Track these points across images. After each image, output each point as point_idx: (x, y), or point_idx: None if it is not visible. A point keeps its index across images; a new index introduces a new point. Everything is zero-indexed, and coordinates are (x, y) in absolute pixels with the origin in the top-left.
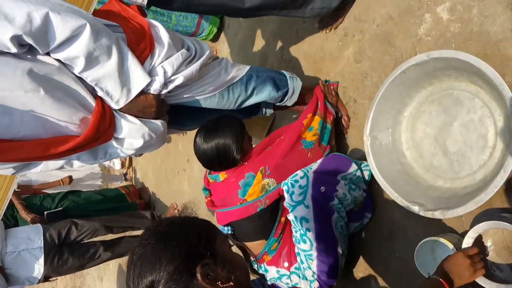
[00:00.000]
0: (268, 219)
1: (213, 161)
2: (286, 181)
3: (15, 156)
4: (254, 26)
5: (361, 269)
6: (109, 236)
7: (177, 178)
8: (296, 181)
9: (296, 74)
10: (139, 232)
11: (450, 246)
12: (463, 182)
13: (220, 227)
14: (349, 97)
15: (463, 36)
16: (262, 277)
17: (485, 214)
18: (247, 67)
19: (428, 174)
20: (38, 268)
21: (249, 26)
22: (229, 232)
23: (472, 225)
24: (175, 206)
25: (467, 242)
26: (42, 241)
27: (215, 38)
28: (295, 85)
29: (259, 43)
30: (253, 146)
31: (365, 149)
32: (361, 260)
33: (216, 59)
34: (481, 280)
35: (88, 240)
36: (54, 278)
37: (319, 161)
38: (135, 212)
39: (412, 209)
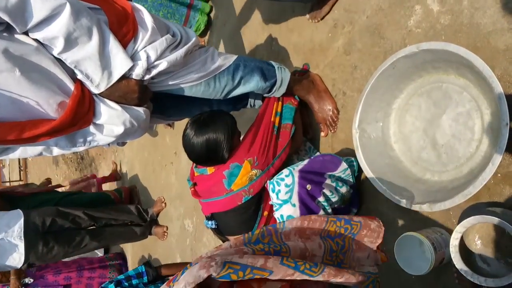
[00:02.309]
0: (252, 213)
1: (202, 156)
2: (271, 180)
3: None
4: (243, 17)
5: None
6: None
7: (164, 171)
8: (282, 179)
9: (285, 66)
10: None
11: (424, 240)
12: (450, 175)
13: (204, 221)
14: (338, 90)
15: (453, 28)
16: None
17: (473, 209)
18: (234, 57)
19: (416, 167)
20: (19, 257)
21: (238, 18)
22: (213, 226)
23: (460, 220)
24: (163, 200)
25: (455, 237)
26: (23, 229)
27: (203, 34)
28: (283, 76)
29: (248, 35)
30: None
31: (354, 142)
32: None
33: (203, 47)
34: (468, 274)
35: (74, 228)
36: (38, 265)
37: (306, 160)
38: (120, 206)
39: (400, 202)
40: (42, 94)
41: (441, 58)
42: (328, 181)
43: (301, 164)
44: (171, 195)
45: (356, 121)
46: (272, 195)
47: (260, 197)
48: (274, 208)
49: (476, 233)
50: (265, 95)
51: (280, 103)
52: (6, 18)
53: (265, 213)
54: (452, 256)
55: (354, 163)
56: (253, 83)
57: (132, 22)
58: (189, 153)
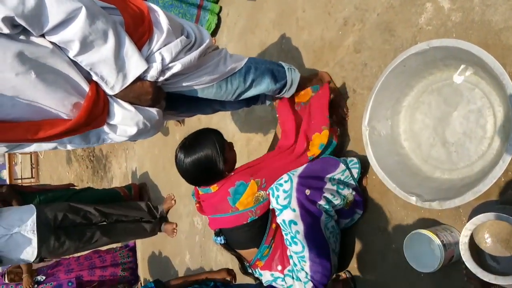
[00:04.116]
0: (258, 229)
1: (198, 176)
2: (272, 185)
3: (4, 138)
4: (253, 15)
5: (357, 260)
6: None
7: (174, 168)
8: (281, 184)
9: (296, 64)
10: None
11: (434, 238)
12: (461, 173)
13: (213, 237)
14: (348, 87)
15: (464, 26)
16: (257, 279)
17: (483, 206)
18: (246, 59)
19: (426, 165)
20: (32, 251)
21: (248, 16)
22: (222, 242)
23: (469, 218)
24: (172, 197)
25: (465, 234)
26: (35, 223)
27: (214, 33)
28: (293, 76)
29: (258, 33)
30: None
31: (364, 139)
32: (357, 251)
33: (216, 49)
34: (478, 272)
35: (85, 223)
36: (49, 259)
37: (305, 164)
38: (131, 202)
39: (409, 199)
40: (57, 96)
41: (452, 55)
42: (328, 184)
43: (301, 169)
44: (180, 193)
45: (366, 118)
46: (272, 199)
47: (267, 213)
48: (276, 213)
49: (486, 231)
50: (276, 95)
51: (325, 133)
52: (23, 23)
53: (273, 225)
54: (461, 254)
55: (357, 165)
56: (264, 85)
57: (148, 24)
58: (186, 177)
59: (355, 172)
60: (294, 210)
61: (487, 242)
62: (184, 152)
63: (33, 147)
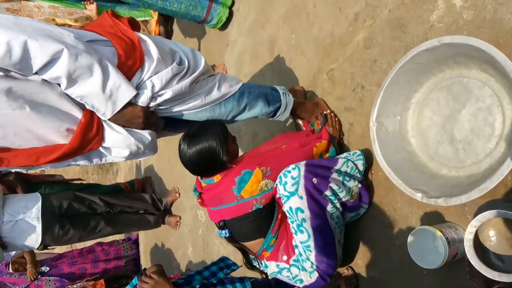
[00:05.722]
0: (264, 218)
1: (201, 166)
2: (280, 173)
3: (11, 164)
4: (263, 10)
5: (360, 256)
6: None
7: (179, 162)
8: (289, 171)
9: (305, 59)
10: None
11: (439, 234)
12: (468, 170)
13: (217, 231)
14: (356, 84)
15: (475, 24)
16: (263, 272)
17: (489, 205)
18: (239, 84)
19: (433, 162)
20: (36, 238)
21: (258, 10)
22: (227, 235)
23: (475, 216)
24: (177, 190)
25: (470, 231)
26: (40, 211)
27: (224, 26)
28: (287, 100)
29: (268, 28)
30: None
31: (371, 135)
32: (360, 247)
33: (211, 76)
34: (482, 268)
35: (89, 212)
36: (53, 247)
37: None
38: (135, 194)
39: (415, 196)
40: (51, 124)
41: (463, 53)
42: (334, 175)
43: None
44: (185, 186)
45: (374, 114)
46: (280, 187)
47: (272, 202)
48: (282, 201)
49: (491, 229)
50: (270, 118)
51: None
52: (11, 69)
53: (279, 215)
54: (466, 250)
55: (361, 157)
56: (257, 109)
57: (139, 54)
58: (189, 167)
59: (360, 164)
60: (301, 198)
61: (492, 240)
62: (187, 142)
63: (48, 166)
